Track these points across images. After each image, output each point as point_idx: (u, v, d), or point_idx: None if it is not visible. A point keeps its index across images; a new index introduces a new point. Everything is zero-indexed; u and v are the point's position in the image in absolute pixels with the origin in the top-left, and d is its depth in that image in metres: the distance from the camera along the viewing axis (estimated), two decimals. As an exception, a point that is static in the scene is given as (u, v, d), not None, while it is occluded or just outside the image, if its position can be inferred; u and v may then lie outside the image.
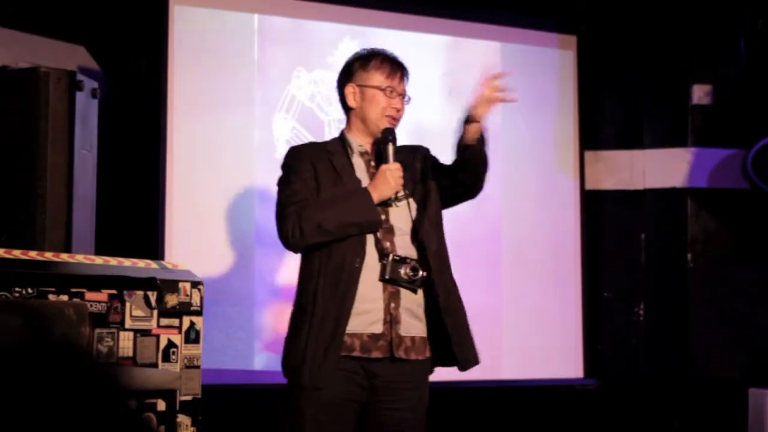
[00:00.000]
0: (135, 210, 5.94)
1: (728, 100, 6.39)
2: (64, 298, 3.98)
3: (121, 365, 4.13)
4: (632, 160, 6.80)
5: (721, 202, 6.61)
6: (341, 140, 4.09)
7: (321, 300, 3.89)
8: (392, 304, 3.92)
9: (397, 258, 3.92)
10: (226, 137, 5.96)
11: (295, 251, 3.98)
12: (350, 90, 4.06)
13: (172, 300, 4.29)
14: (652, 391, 6.66)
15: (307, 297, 3.92)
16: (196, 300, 4.37)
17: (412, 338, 3.98)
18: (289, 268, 5.99)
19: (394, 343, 3.93)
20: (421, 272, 3.93)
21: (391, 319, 3.92)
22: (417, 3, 6.49)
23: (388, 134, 4.06)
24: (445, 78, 6.51)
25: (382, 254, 3.92)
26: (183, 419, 4.19)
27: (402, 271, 3.90)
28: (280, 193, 3.99)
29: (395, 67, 4.09)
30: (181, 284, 4.33)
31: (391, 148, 4.00)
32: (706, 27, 6.59)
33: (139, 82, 6.13)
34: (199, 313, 4.38)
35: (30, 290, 3.91)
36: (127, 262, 4.35)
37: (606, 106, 6.91)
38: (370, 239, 3.92)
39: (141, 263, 4.40)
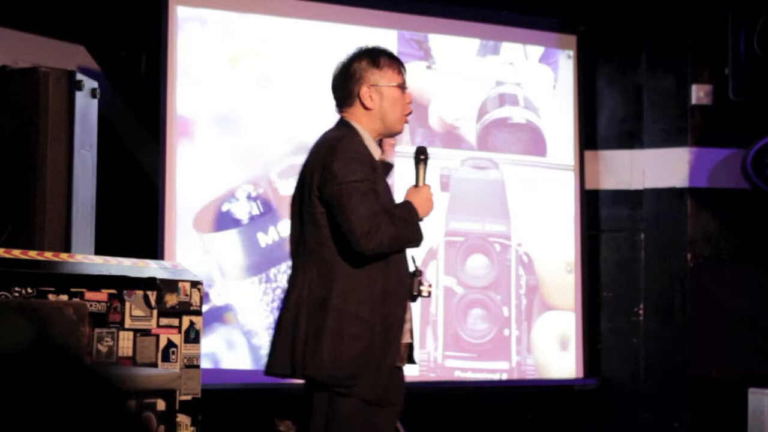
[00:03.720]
0: (135, 210, 5.94)
1: (728, 99, 6.38)
2: (64, 297, 3.98)
3: (121, 365, 4.13)
4: (632, 159, 6.80)
5: (720, 202, 6.61)
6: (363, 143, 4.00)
7: (383, 310, 3.87)
8: (408, 314, 4.01)
9: (418, 273, 4.00)
10: (227, 137, 5.96)
11: (366, 255, 3.83)
12: (366, 91, 3.99)
13: (171, 300, 4.29)
14: (651, 391, 6.65)
15: (363, 305, 3.84)
16: (195, 300, 4.38)
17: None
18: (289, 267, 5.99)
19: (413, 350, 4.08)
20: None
21: (411, 328, 4.04)
22: (416, 2, 6.49)
23: (422, 153, 4.07)
24: (445, 78, 6.52)
25: (415, 272, 3.99)
26: (182, 419, 4.19)
27: (423, 288, 3.99)
28: (355, 189, 3.82)
29: (401, 63, 4.08)
30: (180, 284, 4.34)
31: (424, 169, 4.04)
32: (706, 27, 6.59)
33: (139, 82, 6.13)
34: (198, 312, 4.39)
35: (30, 290, 3.91)
36: (126, 262, 4.35)
37: (606, 105, 6.91)
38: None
39: (140, 263, 4.40)
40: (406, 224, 3.88)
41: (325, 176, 3.87)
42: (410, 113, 4.07)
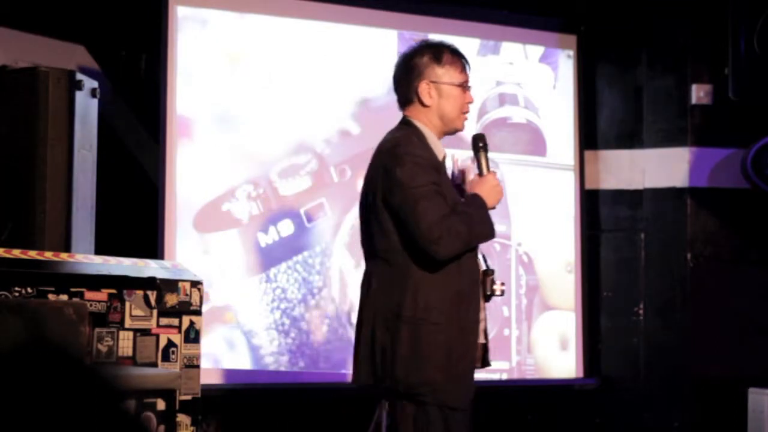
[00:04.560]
0: (134, 209, 5.94)
1: (728, 99, 6.38)
2: (64, 297, 3.99)
3: (121, 365, 4.13)
4: (632, 159, 6.80)
5: (720, 202, 6.61)
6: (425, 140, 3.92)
7: (458, 313, 3.80)
8: (482, 314, 3.96)
9: (491, 272, 3.93)
10: (227, 137, 5.96)
11: (441, 260, 3.77)
12: (425, 87, 3.89)
13: (171, 299, 4.29)
14: (651, 391, 6.65)
15: (437, 312, 3.76)
16: (195, 299, 4.38)
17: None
18: (289, 267, 6.00)
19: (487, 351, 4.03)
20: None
21: (485, 329, 3.99)
22: (416, 2, 6.49)
23: (481, 140, 3.99)
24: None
25: (487, 270, 3.92)
26: (182, 419, 4.19)
27: (496, 287, 3.92)
28: (420, 195, 3.75)
29: (465, 61, 3.98)
30: (180, 284, 4.34)
31: (485, 156, 3.96)
32: (705, 27, 6.59)
33: (139, 82, 6.14)
34: (198, 312, 4.39)
35: (30, 290, 3.92)
36: (126, 262, 4.36)
37: (606, 105, 6.91)
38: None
39: (140, 263, 4.40)
40: (477, 220, 3.80)
41: (388, 183, 3.79)
42: (468, 111, 3.99)
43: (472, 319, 3.86)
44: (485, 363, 4.01)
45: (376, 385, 3.82)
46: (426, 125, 3.91)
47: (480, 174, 3.96)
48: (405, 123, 3.95)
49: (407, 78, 3.93)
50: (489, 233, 3.86)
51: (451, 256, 3.76)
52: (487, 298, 3.94)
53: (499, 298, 4.03)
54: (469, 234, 3.77)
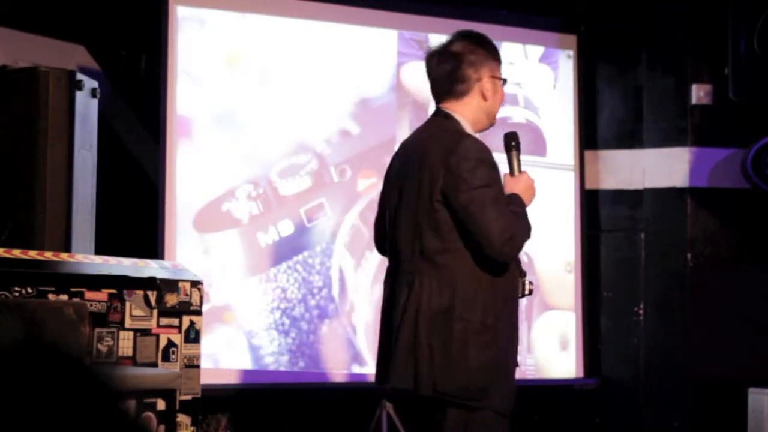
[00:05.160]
0: (135, 209, 5.94)
1: (728, 99, 6.38)
2: (64, 297, 3.99)
3: (121, 365, 4.13)
4: (632, 159, 6.80)
5: (720, 202, 6.61)
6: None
7: (503, 314, 3.71)
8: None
9: (524, 273, 3.84)
10: (227, 137, 5.96)
11: (505, 261, 3.71)
12: (488, 82, 3.79)
13: (171, 299, 4.29)
14: (651, 391, 6.65)
15: (486, 312, 3.67)
16: (195, 299, 4.38)
17: None
18: (289, 267, 6.00)
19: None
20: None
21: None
22: (417, 2, 6.49)
23: (513, 139, 3.89)
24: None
25: (522, 271, 3.82)
26: (183, 419, 4.19)
27: (527, 287, 3.83)
28: (486, 196, 3.64)
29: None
30: (180, 284, 4.34)
31: (517, 155, 3.86)
32: (705, 27, 6.59)
33: (139, 82, 6.14)
34: (198, 312, 4.39)
35: (30, 290, 3.91)
36: (126, 262, 4.36)
37: (606, 105, 6.91)
38: None
39: (141, 263, 4.40)
40: (525, 220, 3.71)
41: (450, 181, 3.63)
42: None
43: (515, 320, 3.80)
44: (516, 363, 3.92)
45: (415, 392, 3.66)
46: (468, 120, 3.79)
47: (511, 173, 3.86)
48: (445, 116, 3.81)
49: (463, 72, 3.79)
50: (530, 233, 3.76)
51: (514, 257, 3.70)
52: (521, 298, 3.85)
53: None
54: (526, 235, 3.69)
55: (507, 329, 3.74)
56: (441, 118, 3.81)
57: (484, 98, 3.79)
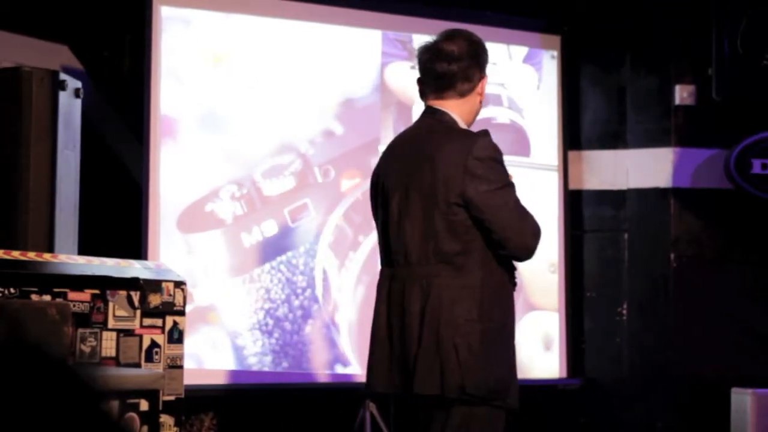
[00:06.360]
0: (118, 210, 5.93)
1: (711, 100, 6.40)
2: (47, 298, 3.97)
3: (104, 365, 4.12)
4: (616, 159, 6.81)
5: (704, 202, 6.63)
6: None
7: (510, 313, 3.72)
8: None
9: (515, 267, 3.82)
10: (211, 137, 5.95)
11: (527, 259, 3.75)
12: (484, 81, 3.78)
13: (155, 300, 4.28)
14: (635, 391, 6.67)
15: (503, 312, 3.67)
16: (179, 300, 4.37)
17: None
18: (272, 267, 6.00)
19: None
20: None
21: None
22: (401, 2, 6.49)
23: None
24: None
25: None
26: (166, 419, 4.18)
27: (516, 281, 3.82)
28: (508, 194, 3.64)
29: None
30: (164, 284, 4.33)
31: None
32: (689, 27, 6.60)
33: (123, 82, 6.13)
34: (182, 313, 4.38)
35: (12, 290, 3.90)
36: (110, 262, 4.35)
37: (589, 106, 6.92)
38: None
39: (124, 263, 4.39)
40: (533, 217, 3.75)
41: (468, 181, 3.58)
42: None
43: (513, 316, 3.79)
44: None
45: (442, 395, 3.59)
46: (463, 118, 3.74)
47: None
48: (442, 114, 3.75)
49: (469, 71, 3.74)
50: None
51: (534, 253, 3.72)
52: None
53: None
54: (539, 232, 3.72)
55: (512, 327, 3.76)
56: (439, 116, 3.75)
57: (480, 97, 3.79)
